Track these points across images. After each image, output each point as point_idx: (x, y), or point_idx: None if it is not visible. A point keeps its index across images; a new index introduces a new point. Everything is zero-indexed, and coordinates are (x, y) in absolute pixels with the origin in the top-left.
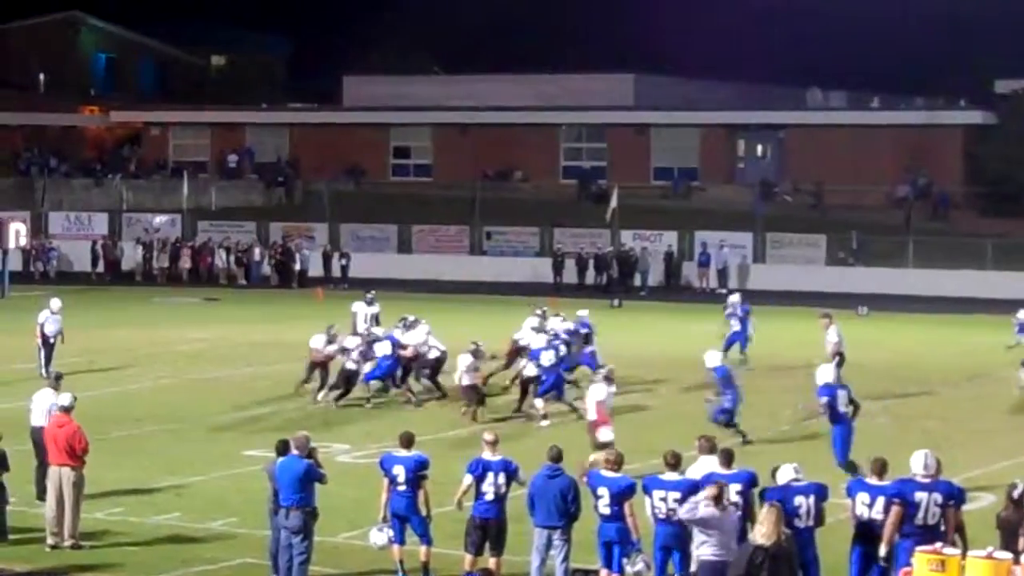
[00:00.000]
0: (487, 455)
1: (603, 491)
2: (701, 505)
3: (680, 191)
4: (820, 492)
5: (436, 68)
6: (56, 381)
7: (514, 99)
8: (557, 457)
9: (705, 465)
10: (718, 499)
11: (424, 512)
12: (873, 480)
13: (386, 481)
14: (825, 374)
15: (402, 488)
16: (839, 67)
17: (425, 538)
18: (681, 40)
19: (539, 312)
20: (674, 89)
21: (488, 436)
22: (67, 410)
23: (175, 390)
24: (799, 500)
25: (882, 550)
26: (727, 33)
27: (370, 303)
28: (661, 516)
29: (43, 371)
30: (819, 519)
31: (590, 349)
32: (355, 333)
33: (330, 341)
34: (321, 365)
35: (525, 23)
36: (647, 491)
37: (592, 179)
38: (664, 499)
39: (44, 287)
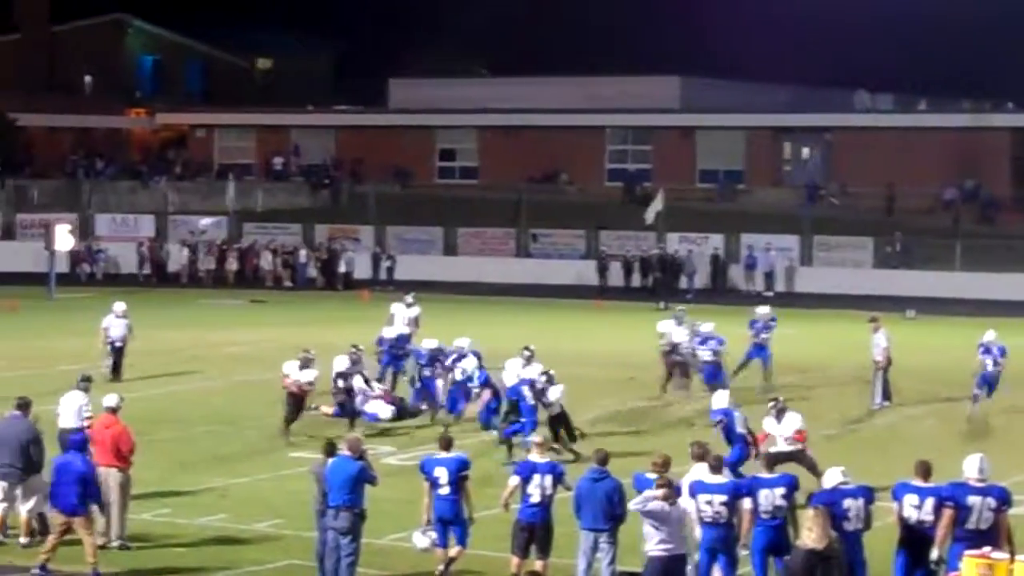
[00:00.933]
0: (535, 457)
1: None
2: (651, 499)
3: (726, 193)
4: (868, 495)
5: (482, 70)
6: (85, 383)
7: (560, 101)
8: (603, 460)
9: (697, 472)
10: (667, 497)
11: (467, 514)
12: (919, 482)
13: (427, 484)
14: (720, 399)
15: (445, 491)
16: (886, 69)
17: (462, 541)
18: (727, 42)
19: (678, 314)
20: (720, 91)
21: (536, 438)
22: (114, 411)
23: (221, 392)
24: (848, 503)
25: (934, 554)
26: (773, 35)
27: (409, 305)
28: (707, 519)
29: (109, 375)
30: (867, 522)
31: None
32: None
33: (304, 366)
34: (295, 397)
35: (571, 25)
36: (692, 494)
37: (637, 181)
38: (710, 502)
39: (91, 289)
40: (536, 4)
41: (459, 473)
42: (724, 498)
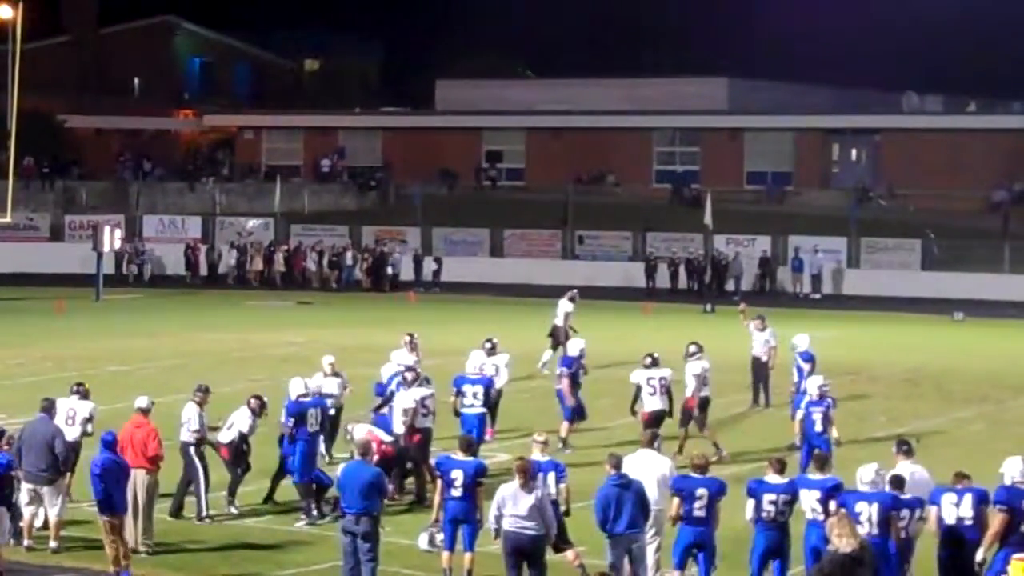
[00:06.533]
0: (536, 456)
1: (702, 492)
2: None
3: (774, 195)
4: (885, 502)
5: (529, 72)
6: (79, 388)
7: (607, 103)
8: (618, 464)
9: (642, 457)
10: (525, 475)
11: (477, 516)
12: (955, 484)
13: (440, 483)
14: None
15: (458, 493)
16: (935, 71)
17: (470, 544)
18: (775, 43)
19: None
20: (768, 93)
21: (539, 437)
22: (144, 412)
23: (268, 394)
24: (860, 507)
25: (979, 555)
26: (822, 37)
27: (572, 299)
28: (768, 520)
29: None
30: (886, 528)
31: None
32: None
33: (412, 350)
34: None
35: (618, 27)
36: (754, 494)
37: (685, 183)
38: (774, 502)
39: (137, 290)
40: (583, 6)
41: (476, 478)
42: (786, 498)
